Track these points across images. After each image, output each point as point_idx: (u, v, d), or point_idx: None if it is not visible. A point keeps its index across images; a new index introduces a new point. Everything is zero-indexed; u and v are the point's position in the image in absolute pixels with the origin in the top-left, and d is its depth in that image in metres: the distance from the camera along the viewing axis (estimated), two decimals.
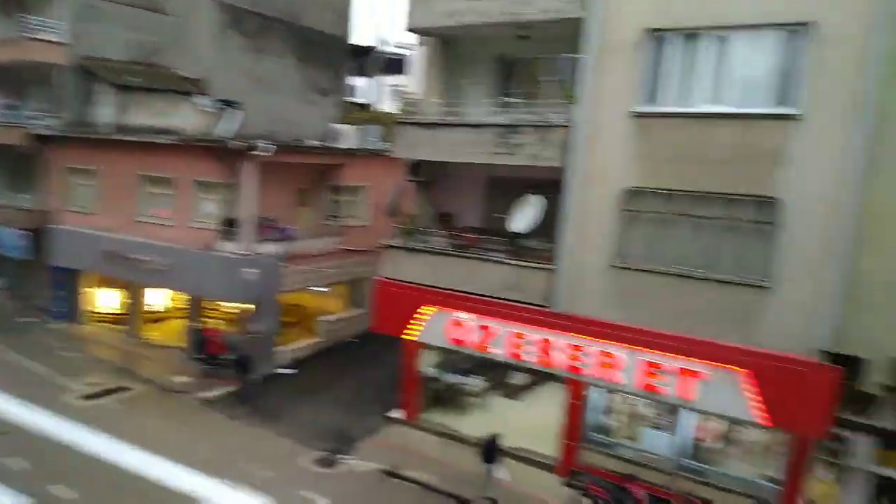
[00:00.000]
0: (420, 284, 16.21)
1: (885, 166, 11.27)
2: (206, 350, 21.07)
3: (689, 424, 14.18)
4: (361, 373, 21.84)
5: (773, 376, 12.20)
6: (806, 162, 11.91)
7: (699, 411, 13.64)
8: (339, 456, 16.03)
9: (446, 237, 16.37)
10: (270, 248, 20.94)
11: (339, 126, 25.47)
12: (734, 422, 13.51)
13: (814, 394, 11.79)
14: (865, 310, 11.48)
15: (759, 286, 12.42)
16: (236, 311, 21.68)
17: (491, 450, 14.46)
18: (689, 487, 13.84)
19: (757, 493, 13.35)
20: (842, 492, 12.45)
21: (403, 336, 16.61)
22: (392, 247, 16.77)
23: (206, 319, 22.36)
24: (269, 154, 19.94)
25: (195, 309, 22.27)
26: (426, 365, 17.95)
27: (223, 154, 20.36)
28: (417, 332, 16.31)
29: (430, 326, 16.11)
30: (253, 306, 20.79)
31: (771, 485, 13.27)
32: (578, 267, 14.25)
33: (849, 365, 11.56)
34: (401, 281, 16.57)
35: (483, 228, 16.57)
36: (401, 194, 17.42)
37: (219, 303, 22.38)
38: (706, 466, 14.06)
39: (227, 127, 21.28)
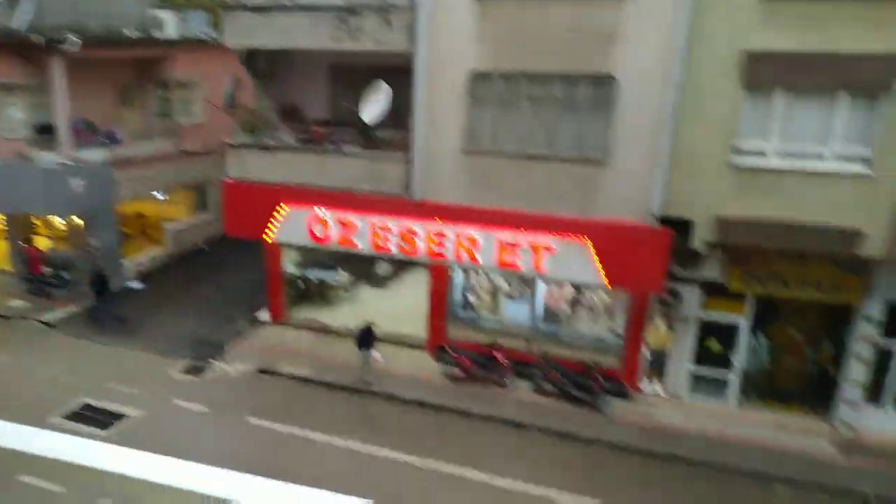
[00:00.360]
0: (272, 183, 15.23)
1: (704, 40, 11.70)
2: (30, 270, 18.88)
3: (542, 293, 15.02)
4: (218, 279, 20.81)
5: (613, 242, 13.00)
6: (637, 39, 12.09)
7: (551, 280, 14.43)
8: (208, 362, 15.42)
9: (294, 131, 15.30)
10: (96, 154, 18.59)
11: (159, 13, 22.30)
12: (582, 287, 14.47)
13: (649, 255, 12.74)
14: (690, 175, 12.31)
15: (598, 161, 12.88)
16: (69, 226, 19.42)
17: (366, 337, 14.52)
18: (546, 349, 14.87)
19: (603, 347, 14.66)
20: (675, 337, 13.96)
21: (261, 238, 15.76)
22: (236, 145, 15.45)
23: (35, 237, 19.88)
24: (77, 48, 17.16)
25: (18, 227, 19.65)
26: (289, 264, 17.37)
27: (21, 50, 17.26)
28: (275, 233, 15.52)
29: (288, 225, 15.36)
30: (86, 220, 18.68)
31: (615, 338, 14.60)
32: (432, 154, 13.97)
33: (678, 226, 12.53)
34: (250, 181, 15.45)
35: (332, 120, 15.64)
36: (237, 88, 15.83)
37: (49, 219, 19.86)
38: (560, 328, 15.13)
39: (20, 18, 17.88)
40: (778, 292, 12.93)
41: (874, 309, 12.52)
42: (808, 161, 11.64)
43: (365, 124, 14.42)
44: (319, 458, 12.05)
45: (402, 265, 16.85)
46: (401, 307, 16.58)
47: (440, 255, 14.32)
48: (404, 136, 14.18)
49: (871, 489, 11.65)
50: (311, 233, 15.13)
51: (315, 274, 17.74)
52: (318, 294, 17.82)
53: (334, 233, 14.96)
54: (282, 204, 15.22)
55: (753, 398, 14.06)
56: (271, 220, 15.39)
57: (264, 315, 17.46)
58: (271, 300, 17.30)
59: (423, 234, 14.30)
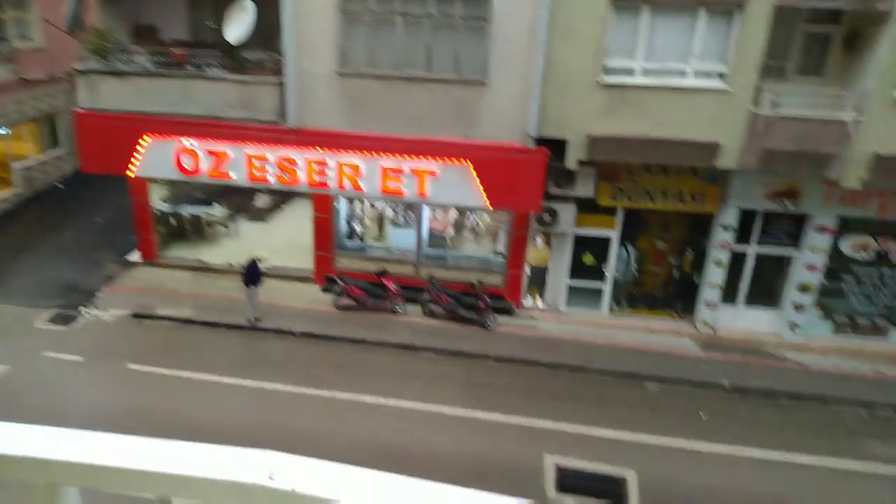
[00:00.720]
0: (131, 112, 14.06)
1: None
2: None
3: (428, 218, 15.15)
4: (80, 220, 19.21)
5: (493, 164, 13.20)
6: None
7: (435, 205, 14.55)
8: (78, 310, 14.44)
9: (151, 55, 14.06)
10: None
11: None
12: (465, 210, 14.72)
13: (527, 176, 13.09)
14: (563, 94, 12.56)
15: (476, 82, 12.85)
16: None
17: (252, 272, 14.01)
18: (433, 272, 15.10)
19: (488, 267, 15.12)
20: (553, 253, 14.62)
21: (124, 173, 14.65)
22: (84, 71, 14.01)
23: None
24: None
25: None
26: (158, 200, 16.33)
27: None
28: (139, 167, 14.47)
29: (153, 158, 14.34)
30: None
31: (499, 258, 15.09)
32: (306, 77, 13.35)
33: (553, 146, 12.90)
34: (105, 111, 14.17)
35: (194, 41, 14.50)
36: (81, 5, 14.20)
37: None
38: (446, 251, 15.42)
39: None
40: (645, 205, 13.79)
41: (729, 217, 13.67)
42: (672, 78, 12.20)
43: (230, 45, 13.48)
44: (210, 398, 11.76)
45: (283, 196, 16.34)
46: (284, 240, 16.18)
47: (322, 184, 13.98)
48: (275, 58, 13.44)
49: (726, 379, 13.06)
50: (180, 165, 14.23)
51: (188, 209, 16.83)
52: (193, 231, 16.97)
53: (205, 165, 14.16)
54: (144, 135, 14.15)
55: (625, 306, 15.15)
56: (133, 153, 14.31)
57: (136, 256, 16.47)
58: (142, 240, 16.28)
59: (302, 164, 13.85)
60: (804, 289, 14.02)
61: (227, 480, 1.22)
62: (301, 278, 15.73)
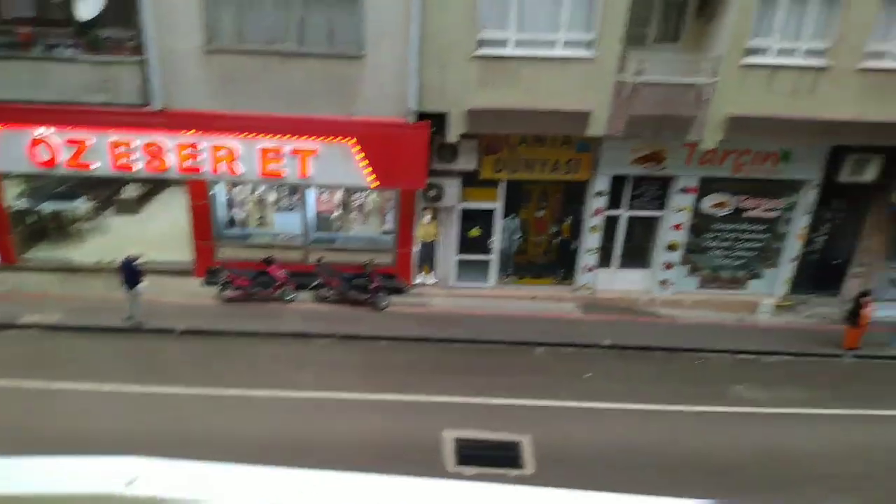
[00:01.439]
0: None
1: None
2: None
3: (313, 200, 14.15)
4: None
5: (375, 141, 12.46)
6: None
7: (319, 186, 13.60)
8: None
9: None
10: None
11: None
12: (350, 190, 13.86)
13: (411, 151, 12.44)
14: (441, 67, 12.00)
15: (352, 56, 12.03)
16: None
17: (130, 271, 12.32)
18: (322, 256, 14.10)
19: (378, 247, 14.34)
20: (440, 227, 14.05)
21: None
22: None
23: None
24: None
25: None
26: (12, 197, 14.20)
27: None
28: None
29: (2, 151, 12.46)
30: None
31: (388, 236, 14.35)
32: (170, 55, 11.96)
33: (435, 120, 12.31)
34: None
35: (40, 18, 12.63)
36: None
37: None
38: (334, 234, 14.49)
39: None
40: (524, 176, 13.56)
41: (601, 183, 13.69)
42: (543, 49, 11.92)
43: (83, 23, 11.82)
44: (87, 409, 10.19)
45: (154, 185, 14.71)
46: (159, 232, 14.61)
47: (195, 169, 12.67)
48: (134, 35, 11.91)
49: (606, 338, 13.09)
50: (34, 157, 12.40)
51: (49, 205, 14.76)
52: (56, 228, 14.90)
53: (63, 155, 12.40)
54: None
55: (511, 276, 14.89)
56: None
57: None
58: None
59: (172, 148, 12.45)
60: (672, 247, 14.33)
61: (81, 494, 1.12)
62: (181, 272, 14.21)
